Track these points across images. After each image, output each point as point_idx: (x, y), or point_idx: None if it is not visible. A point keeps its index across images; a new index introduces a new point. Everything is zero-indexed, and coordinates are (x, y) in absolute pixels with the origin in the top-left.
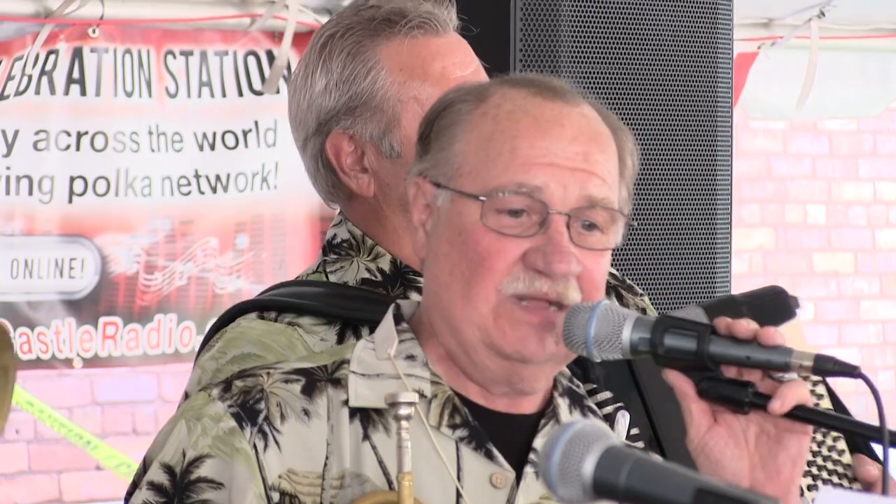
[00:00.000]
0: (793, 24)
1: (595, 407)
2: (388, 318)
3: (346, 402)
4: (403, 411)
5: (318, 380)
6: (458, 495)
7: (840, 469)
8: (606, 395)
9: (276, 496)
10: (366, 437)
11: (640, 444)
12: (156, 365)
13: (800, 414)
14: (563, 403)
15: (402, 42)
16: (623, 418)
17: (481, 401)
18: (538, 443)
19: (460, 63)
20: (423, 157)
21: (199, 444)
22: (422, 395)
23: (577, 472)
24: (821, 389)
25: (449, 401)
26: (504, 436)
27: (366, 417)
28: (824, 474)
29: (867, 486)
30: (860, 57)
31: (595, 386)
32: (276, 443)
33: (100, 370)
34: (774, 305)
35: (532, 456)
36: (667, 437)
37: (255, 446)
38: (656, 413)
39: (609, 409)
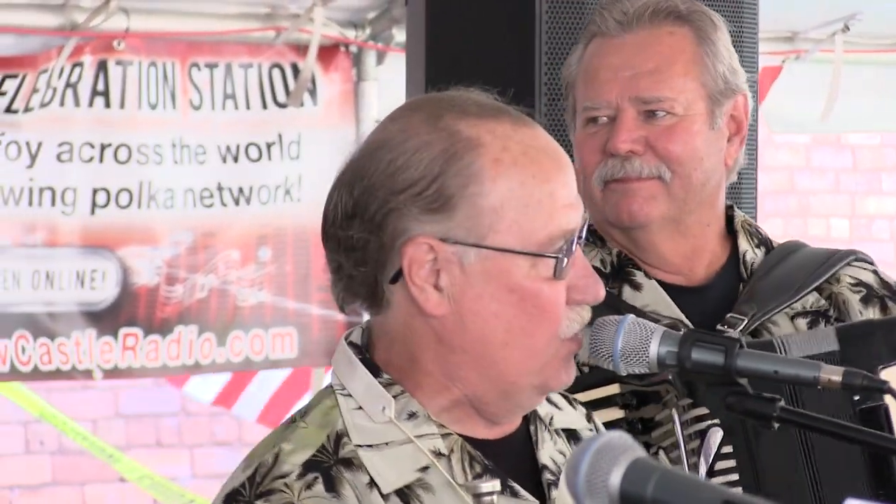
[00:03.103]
0: (817, 38)
1: (563, 393)
2: (362, 371)
3: (371, 485)
4: (486, 500)
5: (329, 467)
6: None
7: None
8: (703, 410)
9: None
10: None
11: (732, 463)
12: (179, 376)
13: (824, 427)
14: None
15: None
16: (714, 435)
17: (483, 434)
18: (544, 457)
19: None
20: (430, 217)
21: None
22: (439, 454)
23: (605, 485)
24: None
25: (464, 451)
26: (510, 463)
27: (401, 495)
28: None
29: None
30: (884, 71)
31: (692, 400)
32: None
33: (123, 382)
34: None
35: (546, 475)
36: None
37: None
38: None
39: (703, 424)
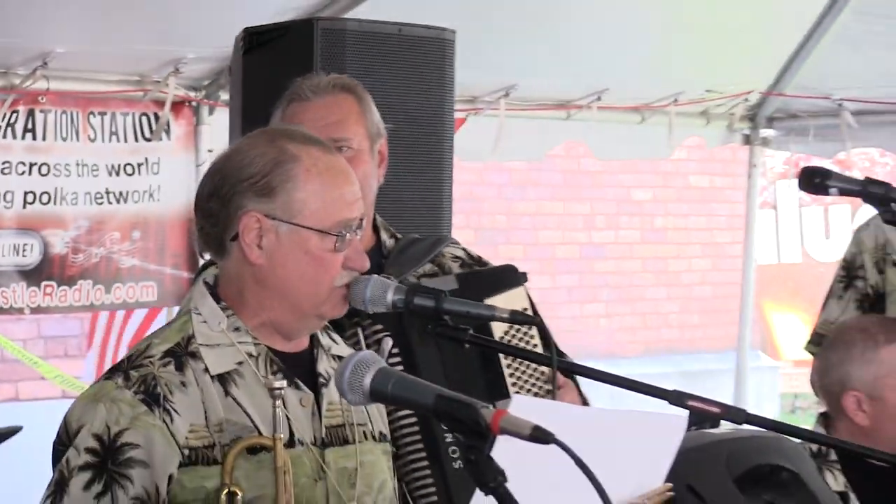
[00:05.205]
0: (488, 100)
1: (330, 326)
2: (209, 300)
3: (205, 370)
4: (277, 392)
5: (180, 355)
6: (288, 420)
7: (547, 387)
8: (379, 326)
9: (187, 452)
10: (227, 393)
11: (399, 360)
12: (80, 313)
13: (492, 345)
14: (318, 334)
15: None
16: (386, 342)
17: (282, 347)
18: (321, 367)
19: None
20: (261, 200)
21: (120, 421)
22: (251, 355)
23: (361, 384)
24: (533, 332)
25: (266, 356)
26: (298, 368)
27: (221, 379)
28: (535, 389)
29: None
30: (531, 122)
31: (371, 321)
32: (176, 411)
33: (43, 316)
34: (503, 276)
35: (320, 379)
36: (423, 369)
37: (164, 420)
38: (416, 354)
39: (379, 335)
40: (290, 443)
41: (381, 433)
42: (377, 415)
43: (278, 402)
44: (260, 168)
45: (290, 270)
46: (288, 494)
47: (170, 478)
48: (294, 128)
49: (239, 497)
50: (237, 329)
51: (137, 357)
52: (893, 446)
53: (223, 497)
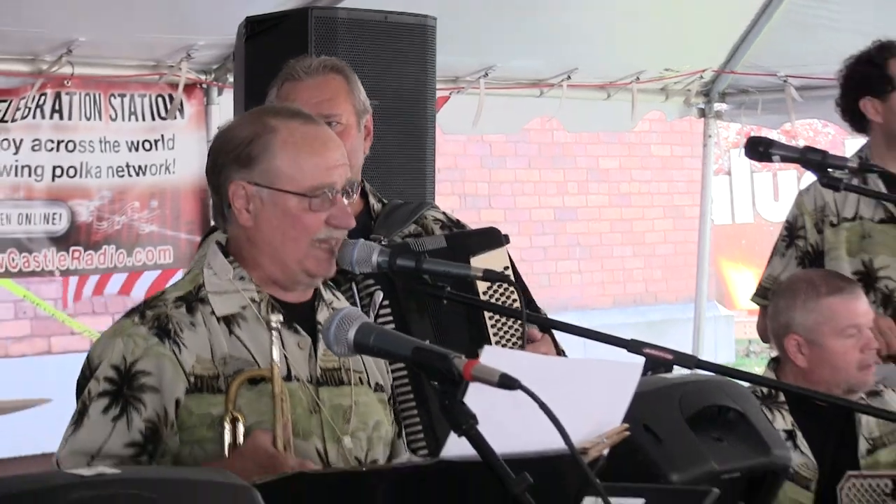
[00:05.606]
0: (469, 80)
1: (332, 284)
2: (220, 255)
3: (212, 313)
4: (273, 325)
5: (192, 301)
6: (286, 358)
7: (519, 341)
8: (371, 281)
9: (192, 379)
10: (231, 332)
11: (388, 310)
12: (103, 274)
13: (472, 302)
14: (322, 289)
15: None
16: (377, 296)
17: (285, 298)
18: (320, 317)
19: None
20: (243, 169)
21: (135, 352)
22: (254, 301)
23: (345, 337)
24: (511, 290)
25: (270, 302)
26: (299, 316)
27: (226, 321)
28: (514, 339)
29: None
30: (509, 99)
31: (365, 276)
32: (184, 345)
33: (72, 278)
34: (487, 237)
35: (319, 327)
36: (411, 320)
37: (173, 351)
38: (405, 307)
39: (371, 290)
40: (288, 378)
41: (377, 384)
42: (375, 368)
43: (274, 335)
44: (241, 141)
45: (275, 229)
46: (285, 419)
47: (177, 403)
48: (282, 105)
49: (241, 422)
50: (242, 278)
51: (153, 300)
52: (829, 388)
53: (227, 422)
